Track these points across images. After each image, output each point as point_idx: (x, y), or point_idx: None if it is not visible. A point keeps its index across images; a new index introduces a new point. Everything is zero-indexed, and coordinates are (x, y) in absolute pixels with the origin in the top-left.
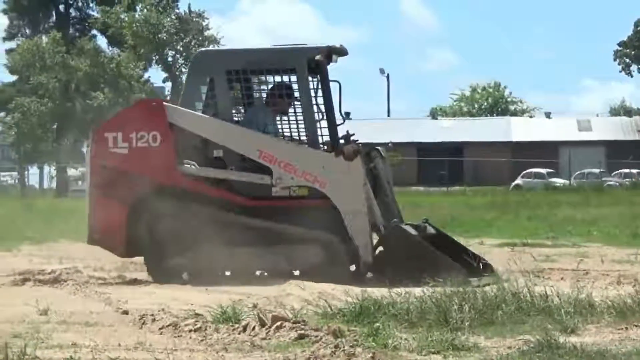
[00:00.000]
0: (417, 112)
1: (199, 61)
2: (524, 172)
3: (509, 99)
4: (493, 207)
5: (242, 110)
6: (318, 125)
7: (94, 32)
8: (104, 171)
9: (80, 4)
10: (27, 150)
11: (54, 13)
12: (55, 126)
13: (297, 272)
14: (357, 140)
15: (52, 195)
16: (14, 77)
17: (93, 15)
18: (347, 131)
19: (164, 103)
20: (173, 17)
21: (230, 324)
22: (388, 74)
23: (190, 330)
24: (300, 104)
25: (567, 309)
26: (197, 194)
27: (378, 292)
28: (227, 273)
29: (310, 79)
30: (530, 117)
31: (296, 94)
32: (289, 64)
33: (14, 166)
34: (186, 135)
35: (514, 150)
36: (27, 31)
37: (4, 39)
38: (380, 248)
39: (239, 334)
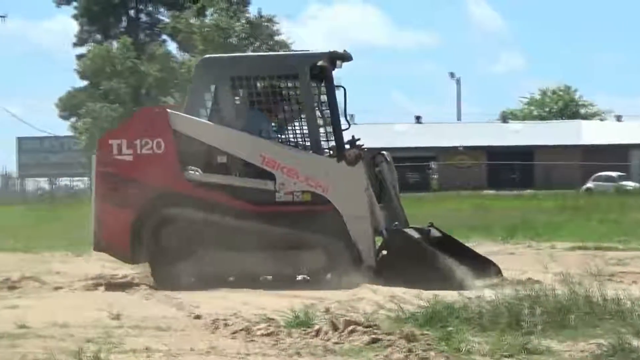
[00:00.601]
0: (487, 115)
1: (202, 68)
2: (595, 175)
3: (579, 102)
4: (564, 211)
5: (245, 116)
6: (321, 130)
7: (164, 37)
8: (109, 178)
9: (150, 9)
10: None
11: (124, 18)
12: None
13: (300, 277)
14: (363, 145)
15: None
16: (85, 83)
17: (163, 21)
18: (353, 136)
19: (168, 110)
20: (243, 21)
21: (303, 328)
22: (458, 78)
23: (262, 335)
24: (303, 110)
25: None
26: (201, 199)
27: (450, 296)
28: (231, 278)
29: (315, 85)
30: (601, 120)
31: (290, 97)
32: (292, 70)
33: (84, 171)
34: (190, 142)
35: (585, 153)
36: (98, 37)
37: (75, 45)
38: (384, 252)
39: (312, 338)
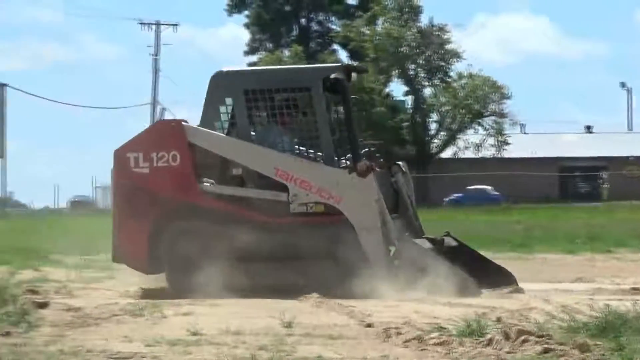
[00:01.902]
0: None
1: (216, 81)
2: None
3: None
4: None
5: (259, 129)
6: (333, 142)
7: (335, 46)
8: (127, 190)
9: (321, 18)
10: None
11: (295, 27)
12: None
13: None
14: (379, 155)
15: None
16: None
17: (334, 29)
18: (369, 147)
19: (183, 123)
20: (414, 30)
21: (475, 337)
22: (629, 88)
23: (435, 344)
24: (316, 122)
25: None
26: (215, 211)
27: (623, 306)
28: (245, 287)
29: (331, 96)
30: None
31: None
32: (304, 83)
33: None
34: (205, 155)
35: None
36: (269, 45)
37: (246, 53)
38: (395, 261)
39: (484, 347)
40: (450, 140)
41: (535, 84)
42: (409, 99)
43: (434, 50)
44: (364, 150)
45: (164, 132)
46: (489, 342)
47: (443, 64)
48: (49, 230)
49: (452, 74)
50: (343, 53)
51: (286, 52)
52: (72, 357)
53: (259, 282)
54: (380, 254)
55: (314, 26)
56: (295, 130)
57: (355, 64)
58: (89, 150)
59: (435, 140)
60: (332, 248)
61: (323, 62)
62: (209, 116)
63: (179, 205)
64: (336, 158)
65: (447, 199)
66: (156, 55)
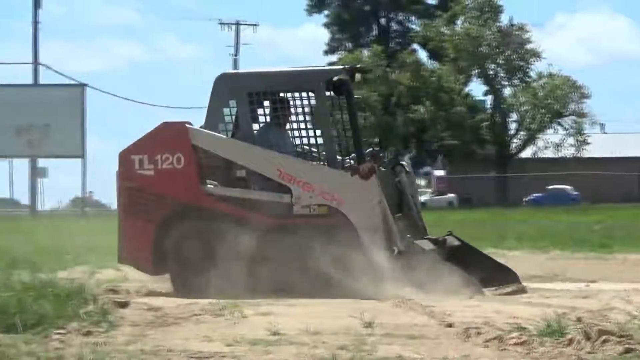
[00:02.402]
0: None
1: (220, 83)
2: None
3: None
4: None
5: (262, 131)
6: (336, 144)
7: (415, 45)
8: (132, 192)
9: (401, 17)
10: None
11: (375, 27)
12: (377, 139)
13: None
14: (383, 156)
15: None
16: None
17: (414, 29)
18: (373, 148)
19: (187, 125)
20: (494, 30)
21: (555, 337)
22: None
23: (515, 344)
24: (319, 124)
25: None
26: (219, 212)
27: None
28: (248, 288)
29: (336, 97)
30: None
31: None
32: (308, 85)
33: None
34: (209, 156)
35: None
36: (349, 45)
37: (326, 53)
38: (398, 262)
39: (565, 347)
40: (529, 140)
41: (615, 84)
42: (489, 99)
43: (513, 50)
44: (367, 151)
45: (169, 134)
46: (570, 342)
47: (523, 63)
48: None
49: (531, 73)
50: (422, 53)
51: (365, 52)
52: (152, 356)
53: (262, 283)
54: (382, 255)
55: (394, 26)
56: (299, 132)
57: (357, 65)
58: None
59: (515, 140)
60: (334, 249)
61: (403, 62)
62: (213, 118)
63: (183, 207)
64: (340, 159)
65: (526, 199)
66: (236, 55)
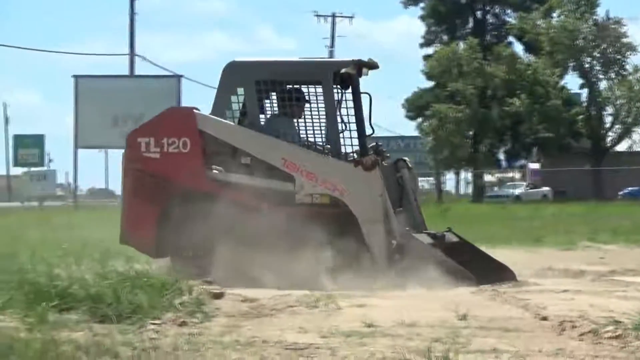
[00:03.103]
0: None
1: (229, 71)
2: None
3: None
4: None
5: (269, 120)
6: (342, 136)
7: (510, 38)
8: (137, 174)
9: (497, 10)
10: (444, 156)
11: (470, 19)
12: (471, 133)
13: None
14: (386, 151)
15: (467, 201)
16: (431, 84)
17: (509, 22)
18: (377, 142)
19: (194, 111)
20: (591, 23)
21: None
22: None
23: (610, 337)
24: (325, 115)
25: None
26: (223, 198)
27: None
28: (248, 274)
29: (342, 91)
30: None
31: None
32: (315, 76)
33: (430, 172)
34: (215, 143)
35: None
36: (444, 37)
37: (422, 45)
38: (397, 255)
39: None
40: (625, 134)
41: None
42: (584, 92)
43: (609, 44)
44: (371, 145)
45: (176, 119)
46: None
47: (619, 57)
48: None
49: (627, 67)
50: (518, 46)
51: (461, 45)
52: (247, 347)
53: (262, 269)
54: (382, 247)
55: (490, 18)
56: (305, 122)
57: (366, 59)
58: None
59: (610, 134)
60: (334, 239)
61: (498, 54)
62: (220, 105)
63: (187, 191)
64: (344, 151)
65: (621, 193)
66: (331, 47)
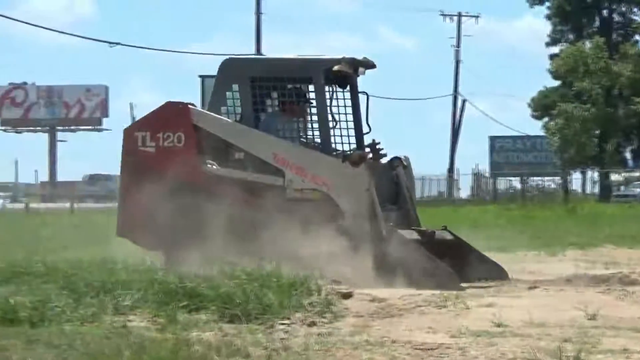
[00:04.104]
0: None
1: (225, 68)
2: None
3: None
4: None
5: (263, 116)
6: (332, 132)
7: (637, 37)
8: (133, 168)
9: (623, 9)
10: (570, 156)
11: (597, 18)
12: (597, 132)
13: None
14: (382, 149)
15: (594, 200)
16: (558, 83)
17: (636, 20)
18: (373, 140)
19: (190, 106)
20: None
21: None
22: None
23: None
24: (316, 112)
25: None
26: (216, 192)
27: None
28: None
29: (335, 89)
30: None
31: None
32: (307, 73)
33: (557, 171)
34: (209, 137)
35: None
36: (571, 36)
37: (547, 44)
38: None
39: None
40: None
41: None
42: None
43: None
44: (368, 143)
45: (171, 114)
46: None
47: None
48: None
49: None
50: None
51: (587, 44)
52: (378, 347)
53: (253, 260)
54: (366, 242)
55: (616, 17)
56: (297, 119)
57: (361, 58)
58: (388, 141)
59: None
60: (321, 232)
61: (625, 53)
62: (216, 101)
63: (182, 185)
64: (334, 147)
65: None
66: (457, 46)
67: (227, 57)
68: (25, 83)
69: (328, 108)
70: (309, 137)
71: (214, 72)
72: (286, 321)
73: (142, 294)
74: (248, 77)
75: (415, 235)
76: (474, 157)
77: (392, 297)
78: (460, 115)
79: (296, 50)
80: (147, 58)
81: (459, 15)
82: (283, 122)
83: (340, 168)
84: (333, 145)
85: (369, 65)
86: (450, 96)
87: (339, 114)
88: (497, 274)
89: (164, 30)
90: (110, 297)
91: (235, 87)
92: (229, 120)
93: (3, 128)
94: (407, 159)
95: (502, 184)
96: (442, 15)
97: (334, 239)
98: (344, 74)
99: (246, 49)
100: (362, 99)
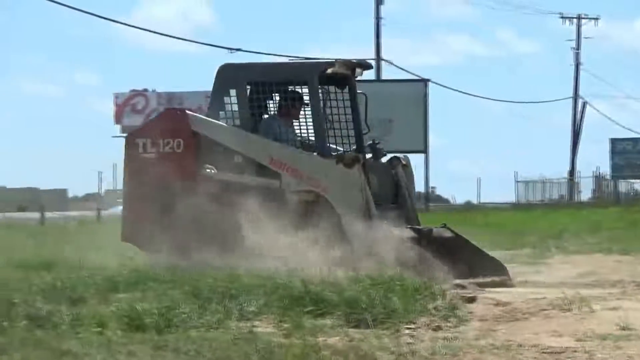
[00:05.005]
0: None
1: (222, 73)
2: None
3: None
4: None
5: (260, 120)
6: (332, 133)
7: None
8: (136, 174)
9: None
10: None
11: None
12: None
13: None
14: (382, 149)
15: None
16: None
17: None
18: (373, 140)
19: (188, 112)
20: None
21: None
22: None
23: None
24: (311, 114)
25: None
26: (215, 196)
27: None
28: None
29: (328, 90)
30: None
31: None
32: (302, 77)
33: None
34: (207, 142)
35: None
36: None
37: None
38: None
39: None
40: None
41: None
42: None
43: None
44: (368, 143)
45: (170, 120)
46: None
47: None
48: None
49: None
50: None
51: None
52: (503, 351)
53: (252, 263)
54: (361, 241)
55: None
56: (293, 122)
57: (355, 60)
58: (508, 144)
59: None
60: (318, 233)
61: None
62: (215, 106)
63: (181, 190)
64: (335, 147)
65: None
66: (577, 49)
67: (224, 63)
68: (146, 90)
69: (323, 110)
70: (305, 139)
71: None
72: (412, 325)
73: (266, 299)
74: (245, 81)
75: (410, 233)
76: (595, 159)
77: (515, 300)
78: (581, 118)
79: (415, 55)
80: None
81: (579, 17)
82: (280, 126)
83: (334, 170)
84: (333, 146)
85: (365, 66)
86: (571, 99)
87: (338, 114)
88: (497, 270)
89: (280, 35)
90: (235, 303)
91: (233, 92)
92: (226, 125)
93: (124, 135)
94: (406, 158)
95: (623, 186)
96: (562, 17)
97: (330, 240)
98: (340, 75)
99: (364, 54)
100: (361, 98)
